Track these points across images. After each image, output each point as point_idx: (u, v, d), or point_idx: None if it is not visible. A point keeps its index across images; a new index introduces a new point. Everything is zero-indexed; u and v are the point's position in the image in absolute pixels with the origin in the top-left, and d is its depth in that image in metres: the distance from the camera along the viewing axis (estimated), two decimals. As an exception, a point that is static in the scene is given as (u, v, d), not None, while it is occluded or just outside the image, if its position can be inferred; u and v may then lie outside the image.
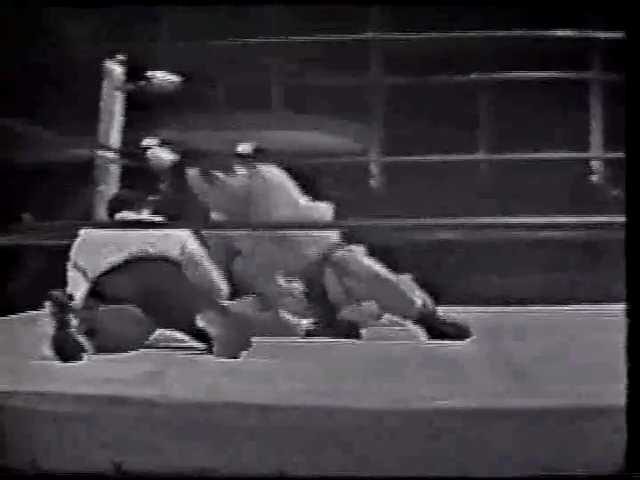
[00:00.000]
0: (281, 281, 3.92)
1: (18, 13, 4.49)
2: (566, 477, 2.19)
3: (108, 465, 2.29)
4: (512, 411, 2.28)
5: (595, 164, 6.06)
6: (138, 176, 4.80)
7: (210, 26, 5.02)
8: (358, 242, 3.93)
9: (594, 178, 6.02)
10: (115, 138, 5.21)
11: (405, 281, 3.98)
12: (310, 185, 4.01)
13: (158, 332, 3.41)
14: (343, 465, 2.24)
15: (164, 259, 3.53)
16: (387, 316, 3.93)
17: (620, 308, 2.19)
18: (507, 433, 2.24)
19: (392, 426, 2.27)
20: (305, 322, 3.83)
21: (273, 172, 4.07)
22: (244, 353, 3.18)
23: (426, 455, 2.23)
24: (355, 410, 2.30)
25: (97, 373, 2.74)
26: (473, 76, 5.51)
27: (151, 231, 3.59)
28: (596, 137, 6.12)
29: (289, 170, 4.05)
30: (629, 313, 2.13)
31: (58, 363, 2.97)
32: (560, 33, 5.10)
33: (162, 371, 2.81)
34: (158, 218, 3.71)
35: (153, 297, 3.41)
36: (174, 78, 5.18)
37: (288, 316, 3.88)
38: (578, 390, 2.41)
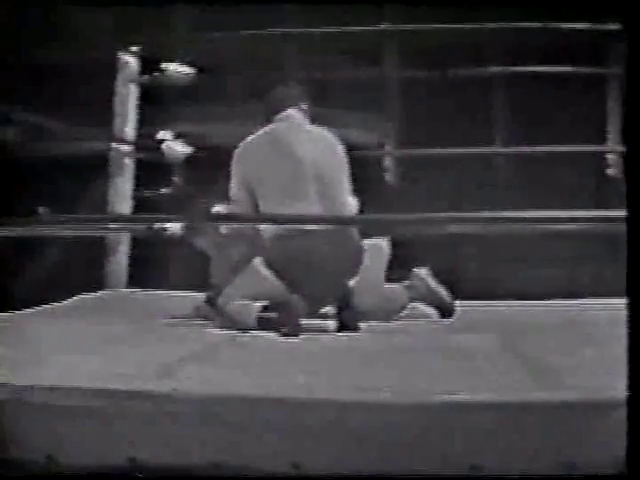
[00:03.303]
0: None
1: (33, 6, 4.49)
2: (566, 477, 2.17)
3: (124, 459, 2.29)
4: (528, 405, 2.27)
5: (612, 157, 6.03)
6: (152, 169, 4.80)
7: (225, 17, 5.01)
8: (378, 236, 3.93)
9: (610, 171, 5.99)
10: (130, 131, 5.21)
11: (423, 274, 4.01)
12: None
13: None
14: (356, 460, 2.24)
15: None
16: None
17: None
18: (522, 427, 2.23)
19: (405, 420, 2.26)
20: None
21: None
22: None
23: (437, 449, 2.22)
24: (367, 404, 2.30)
25: (112, 367, 2.73)
26: (489, 69, 5.48)
27: None
28: (613, 130, 6.09)
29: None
30: (630, 308, 2.11)
31: (73, 358, 2.95)
32: (577, 26, 5.06)
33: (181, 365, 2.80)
34: None
35: None
36: (189, 70, 5.18)
37: None
38: (594, 384, 2.40)
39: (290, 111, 3.88)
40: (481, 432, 2.22)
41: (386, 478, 2.23)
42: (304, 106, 3.91)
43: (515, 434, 2.22)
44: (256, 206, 3.73)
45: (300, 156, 3.75)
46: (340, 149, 3.87)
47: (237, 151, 3.81)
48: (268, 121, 3.87)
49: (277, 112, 3.88)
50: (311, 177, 3.73)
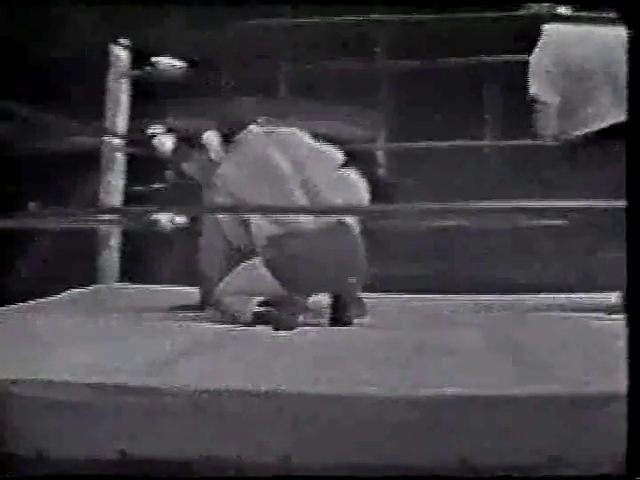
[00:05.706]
0: None
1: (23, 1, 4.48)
2: (566, 477, 2.18)
3: (114, 453, 2.30)
4: (515, 398, 2.28)
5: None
6: (144, 164, 4.79)
7: (216, 10, 5.00)
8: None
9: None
10: (121, 125, 5.21)
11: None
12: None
13: None
14: (346, 454, 2.24)
15: None
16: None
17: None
18: (511, 421, 2.23)
19: (394, 414, 2.26)
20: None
21: None
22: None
23: (428, 443, 2.24)
24: (356, 398, 2.30)
25: (103, 361, 2.73)
26: (479, 59, 5.46)
27: None
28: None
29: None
30: (628, 302, 2.12)
31: (64, 352, 2.95)
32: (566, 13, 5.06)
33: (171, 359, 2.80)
34: None
35: None
36: (180, 64, 5.17)
37: None
38: (581, 378, 2.41)
39: (252, 127, 3.85)
40: (470, 427, 2.23)
41: (377, 472, 2.24)
42: (261, 120, 3.88)
43: (505, 429, 2.23)
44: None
45: (283, 170, 3.73)
46: (314, 143, 3.84)
47: (218, 182, 3.77)
48: (232, 135, 3.85)
49: (239, 130, 3.87)
50: (298, 188, 3.70)
